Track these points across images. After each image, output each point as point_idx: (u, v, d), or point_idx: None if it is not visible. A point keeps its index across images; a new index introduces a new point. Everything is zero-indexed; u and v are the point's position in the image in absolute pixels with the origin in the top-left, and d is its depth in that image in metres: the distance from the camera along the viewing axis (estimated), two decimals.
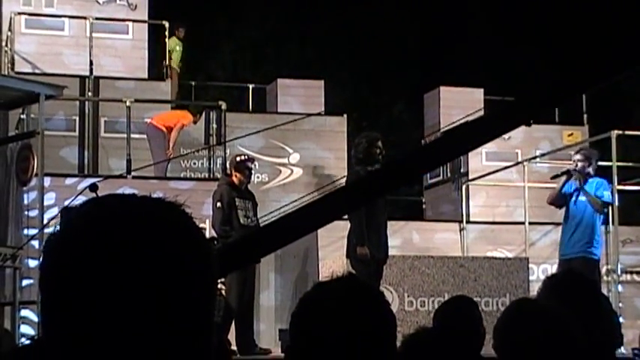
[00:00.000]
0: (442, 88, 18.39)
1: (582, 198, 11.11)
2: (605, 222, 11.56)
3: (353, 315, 2.03)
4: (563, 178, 11.21)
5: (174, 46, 17.76)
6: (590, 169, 11.19)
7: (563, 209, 11.36)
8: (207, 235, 11.74)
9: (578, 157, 11.29)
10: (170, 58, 17.54)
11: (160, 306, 1.30)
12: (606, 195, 11.15)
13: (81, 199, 9.74)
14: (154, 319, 1.30)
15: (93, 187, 10.14)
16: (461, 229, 15.16)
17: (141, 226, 1.37)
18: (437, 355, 3.34)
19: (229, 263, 7.46)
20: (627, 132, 13.73)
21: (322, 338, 2.03)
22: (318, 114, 16.66)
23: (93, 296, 1.29)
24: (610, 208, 11.61)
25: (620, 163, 13.05)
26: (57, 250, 1.35)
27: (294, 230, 5.70)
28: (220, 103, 15.47)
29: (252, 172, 12.02)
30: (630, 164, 14.27)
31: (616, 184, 13.02)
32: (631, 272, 14.36)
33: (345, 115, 16.98)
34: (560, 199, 11.24)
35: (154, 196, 1.51)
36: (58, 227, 1.40)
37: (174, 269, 1.33)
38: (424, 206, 18.62)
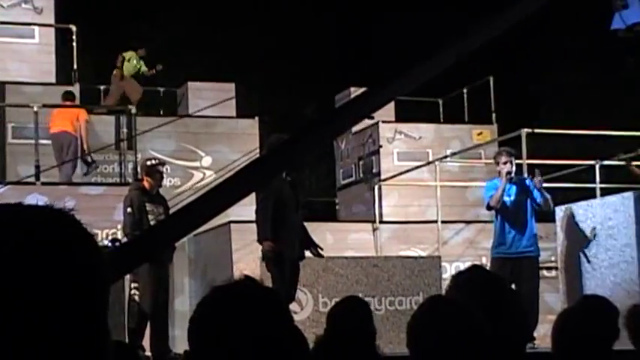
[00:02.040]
0: (352, 89, 18.48)
1: (513, 198, 11.37)
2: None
3: (249, 319, 2.01)
4: (504, 181, 11.40)
5: (131, 57, 17.64)
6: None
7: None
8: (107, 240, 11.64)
9: (507, 158, 11.49)
10: (121, 66, 17.41)
11: (30, 313, 1.27)
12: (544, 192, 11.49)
13: None
14: (18, 326, 1.26)
15: None
16: (374, 229, 15.26)
17: (8, 234, 1.31)
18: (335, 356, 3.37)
19: (142, 253, 7.46)
20: (536, 130, 13.97)
21: (219, 342, 2.01)
22: (230, 117, 16.65)
23: None
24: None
25: (530, 161, 13.26)
26: None
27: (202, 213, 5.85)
28: (130, 107, 15.35)
29: (164, 176, 11.94)
30: (539, 162, 14.49)
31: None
32: (541, 268, 14.59)
33: (257, 118, 16.98)
34: (500, 202, 11.45)
35: (46, 203, 1.45)
36: None
37: (39, 275, 1.28)
38: (337, 207, 18.72)
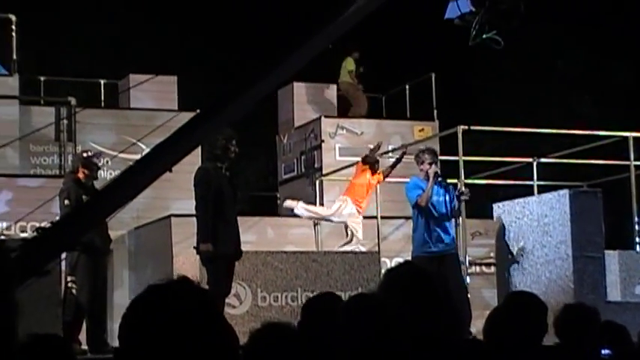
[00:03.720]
0: (295, 84, 18.51)
1: (441, 198, 11.50)
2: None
3: (180, 318, 2.02)
4: (431, 181, 11.52)
5: (347, 64, 18.07)
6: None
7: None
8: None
9: (434, 158, 11.64)
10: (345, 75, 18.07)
11: None
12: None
13: None
14: None
15: None
16: (315, 224, 15.30)
17: None
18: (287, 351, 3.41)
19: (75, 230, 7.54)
20: (473, 127, 14.07)
21: (149, 341, 2.02)
22: (171, 110, 16.58)
23: None
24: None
25: (467, 158, 13.39)
26: None
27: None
28: (70, 98, 15.25)
29: (100, 167, 11.85)
30: (477, 158, 14.64)
31: (463, 177, 13.38)
32: (480, 264, 14.75)
33: (198, 110, 16.90)
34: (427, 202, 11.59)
35: None
36: None
37: None
38: (278, 202, 18.73)
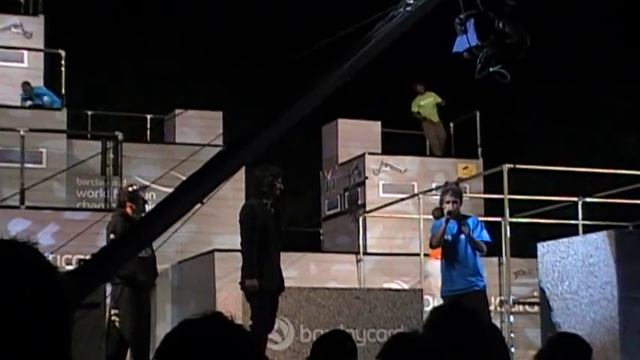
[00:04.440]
0: (340, 121, 18.55)
1: (462, 236, 11.36)
2: (497, 254, 11.81)
3: (214, 355, 2.01)
4: (443, 221, 11.39)
5: (421, 101, 18.36)
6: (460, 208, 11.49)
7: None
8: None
9: (451, 197, 11.49)
10: (418, 112, 18.43)
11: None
12: (485, 235, 11.43)
13: None
14: None
15: None
16: (358, 261, 15.25)
17: None
18: None
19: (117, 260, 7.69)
20: (518, 166, 13.99)
21: None
22: (217, 145, 16.64)
23: None
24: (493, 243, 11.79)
25: (511, 196, 13.30)
26: None
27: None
28: (117, 133, 15.36)
29: (147, 201, 11.91)
30: (521, 197, 14.53)
31: (508, 216, 13.29)
32: (523, 303, 14.62)
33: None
34: (442, 241, 11.44)
35: (29, 227, 1.58)
36: None
37: (12, 304, 1.42)
38: (322, 237, 18.72)
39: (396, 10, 9.66)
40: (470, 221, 11.45)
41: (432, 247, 11.70)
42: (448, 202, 11.37)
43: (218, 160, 9.40)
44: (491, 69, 10.05)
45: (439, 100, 18.55)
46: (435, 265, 13.90)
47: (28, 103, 16.18)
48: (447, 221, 11.30)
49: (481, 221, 11.74)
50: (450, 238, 11.38)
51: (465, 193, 16.55)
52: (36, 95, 16.31)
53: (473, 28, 10.07)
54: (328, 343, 5.95)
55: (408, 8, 9.58)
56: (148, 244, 10.03)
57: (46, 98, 16.34)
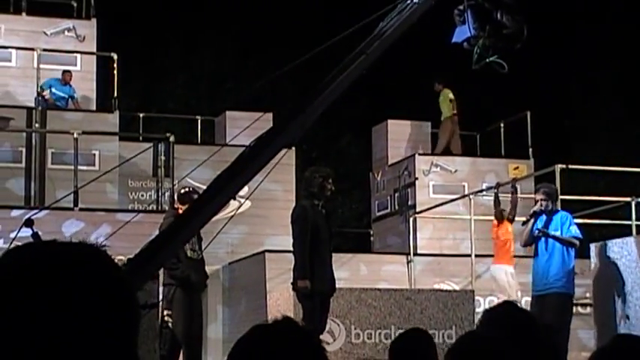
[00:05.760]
0: (390, 122, 18.50)
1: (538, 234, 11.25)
2: (577, 255, 11.66)
3: (285, 359, 2.02)
4: (532, 220, 11.33)
5: (446, 96, 18.10)
6: (552, 205, 11.33)
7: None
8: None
9: (540, 196, 11.40)
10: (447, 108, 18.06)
11: (73, 329, 1.43)
12: (573, 230, 11.26)
13: (24, 231, 9.66)
14: (64, 336, 1.43)
15: (29, 222, 10.00)
16: (408, 262, 15.18)
17: (54, 269, 1.48)
18: None
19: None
20: (571, 166, 13.87)
21: None
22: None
23: (14, 345, 1.43)
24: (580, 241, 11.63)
25: (564, 197, 13.17)
26: None
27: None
28: (168, 134, 15.42)
29: None
30: (575, 197, 14.38)
31: None
32: (576, 304, 14.45)
33: (294, 148, 16.98)
34: (531, 239, 11.35)
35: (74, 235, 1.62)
36: None
37: (86, 306, 1.45)
38: (372, 238, 18.67)
39: (403, 3, 9.79)
40: (558, 217, 11.30)
41: (523, 246, 11.70)
42: (537, 201, 11.34)
43: (243, 159, 9.59)
44: (488, 59, 10.16)
45: (451, 96, 18.30)
46: (496, 269, 13.83)
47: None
48: (531, 220, 11.25)
49: (572, 215, 11.59)
50: (534, 236, 11.28)
51: (516, 193, 16.44)
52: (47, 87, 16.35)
53: (471, 18, 10.18)
54: (407, 342, 5.84)
55: (415, 0, 9.75)
56: (189, 238, 10.11)
57: (53, 90, 16.38)
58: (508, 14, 10.20)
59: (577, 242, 11.26)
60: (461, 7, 10.26)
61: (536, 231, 11.27)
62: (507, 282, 13.72)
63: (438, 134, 18.35)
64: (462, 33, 10.34)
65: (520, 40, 10.24)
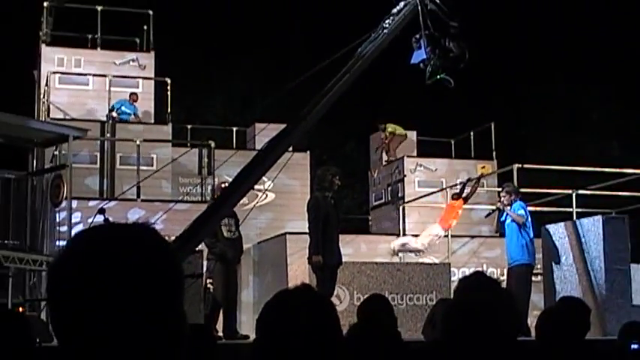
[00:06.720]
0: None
1: (509, 220, 11.33)
2: (535, 235, 11.74)
3: (306, 317, 2.06)
4: (496, 212, 11.52)
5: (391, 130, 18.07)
6: (512, 198, 11.42)
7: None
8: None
9: (503, 193, 11.56)
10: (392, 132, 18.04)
11: (138, 300, 1.42)
12: (519, 211, 11.36)
13: (98, 217, 9.69)
14: (132, 309, 1.42)
15: (101, 211, 10.06)
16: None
17: (119, 244, 1.47)
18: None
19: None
20: (525, 165, 13.92)
21: (281, 335, 2.06)
22: (287, 151, 16.66)
23: (88, 303, 1.41)
24: (530, 219, 11.67)
25: (521, 189, 13.15)
26: (60, 270, 1.46)
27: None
28: (210, 142, 15.49)
29: None
30: (529, 190, 14.40)
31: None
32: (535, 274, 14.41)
33: (309, 152, 17.03)
34: (501, 227, 11.52)
35: (137, 220, 1.61)
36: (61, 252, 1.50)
37: (142, 274, 1.44)
38: (370, 223, 18.68)
39: (376, 32, 9.89)
40: (514, 205, 11.44)
41: (496, 232, 11.76)
42: (501, 197, 11.54)
43: (256, 161, 9.71)
44: (438, 76, 10.28)
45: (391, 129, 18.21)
46: (435, 226, 14.00)
47: (113, 114, 16.23)
48: (495, 212, 11.43)
49: (524, 206, 11.61)
50: (504, 223, 11.44)
51: (483, 187, 16.46)
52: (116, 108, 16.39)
53: (425, 44, 10.30)
54: (370, 304, 5.91)
55: (385, 30, 9.85)
56: (221, 219, 10.22)
57: (123, 109, 16.42)
58: (454, 41, 10.35)
59: (521, 218, 11.33)
60: (417, 36, 10.39)
61: (499, 205, 11.50)
62: (430, 237, 13.84)
63: (390, 147, 18.23)
64: (419, 56, 10.44)
65: (463, 61, 10.39)
